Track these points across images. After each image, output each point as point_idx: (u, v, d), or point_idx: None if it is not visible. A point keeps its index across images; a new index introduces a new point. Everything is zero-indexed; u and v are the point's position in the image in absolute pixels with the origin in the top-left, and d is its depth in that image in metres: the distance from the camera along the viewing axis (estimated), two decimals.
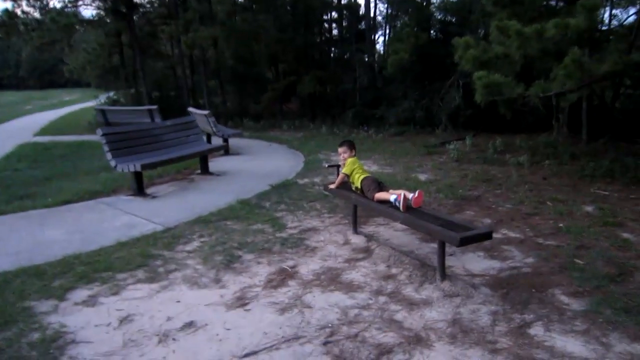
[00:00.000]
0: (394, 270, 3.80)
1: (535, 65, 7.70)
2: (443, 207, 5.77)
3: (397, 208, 3.88)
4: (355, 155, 4.65)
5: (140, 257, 4.04)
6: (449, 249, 3.80)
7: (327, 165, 4.96)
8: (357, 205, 4.52)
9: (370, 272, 3.77)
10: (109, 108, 14.83)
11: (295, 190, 6.42)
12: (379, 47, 18.51)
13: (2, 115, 22.72)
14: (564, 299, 3.36)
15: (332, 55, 18.29)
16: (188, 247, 4.34)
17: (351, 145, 4.67)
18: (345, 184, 4.68)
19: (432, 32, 15.74)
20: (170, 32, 15.71)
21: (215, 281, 3.58)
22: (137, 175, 6.16)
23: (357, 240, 4.54)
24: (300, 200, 5.93)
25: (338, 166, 4.91)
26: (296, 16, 16.67)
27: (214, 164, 8.40)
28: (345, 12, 18.27)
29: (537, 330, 2.90)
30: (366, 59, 17.50)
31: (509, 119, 13.88)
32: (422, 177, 7.56)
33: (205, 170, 7.51)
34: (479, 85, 6.95)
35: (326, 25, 18.70)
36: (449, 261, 3.92)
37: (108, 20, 17.36)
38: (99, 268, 3.81)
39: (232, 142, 10.32)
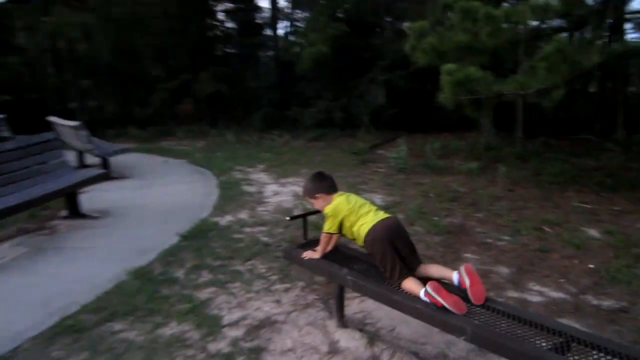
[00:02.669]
0: None
1: (502, 57, 6.41)
2: (433, 251, 4.17)
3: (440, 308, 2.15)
4: (334, 192, 2.77)
5: None
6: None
7: (289, 219, 3.03)
8: (346, 287, 2.68)
9: None
10: None
11: (218, 239, 4.37)
12: (282, 40, 16.59)
13: None
14: None
15: (232, 50, 16.02)
16: None
17: (320, 184, 2.76)
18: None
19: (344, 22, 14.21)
20: (24, 16, 12.39)
21: None
22: None
23: (349, 340, 2.72)
24: (230, 258, 3.92)
25: (305, 216, 3.01)
26: (187, 4, 14.10)
27: (90, 195, 5.95)
28: (242, 4, 16.03)
29: None
30: (270, 54, 15.63)
31: (427, 118, 13.00)
32: (377, 199, 5.92)
33: (74, 212, 5.07)
34: (448, 82, 5.49)
35: (223, 15, 16.32)
36: None
37: None
38: None
39: (116, 159, 7.78)
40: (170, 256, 3.94)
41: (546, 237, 4.60)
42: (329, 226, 2.67)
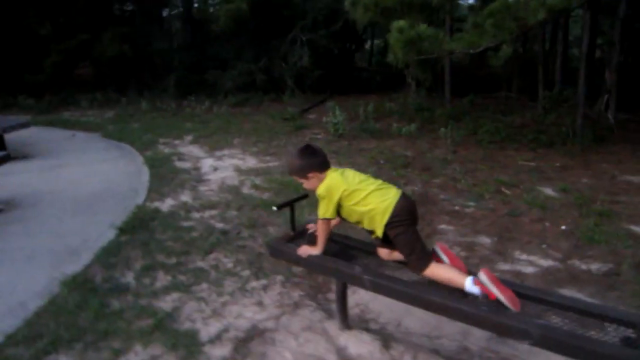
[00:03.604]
0: None
1: (438, 15, 6.18)
2: None
3: (480, 297, 1.85)
4: (328, 169, 2.26)
5: None
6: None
7: (275, 209, 2.48)
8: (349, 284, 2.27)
9: None
10: None
11: (165, 230, 3.71)
12: None
13: None
14: None
15: (131, 7, 14.30)
16: None
17: (312, 161, 2.23)
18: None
19: None
20: None
21: None
22: None
23: (358, 344, 2.35)
24: (187, 253, 3.32)
25: (292, 203, 2.50)
26: None
27: None
28: None
29: None
30: (178, 11, 14.25)
31: (351, 80, 12.72)
32: None
33: None
34: (398, 41, 5.12)
35: None
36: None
37: None
38: None
39: (12, 137, 6.51)
40: (111, 256, 3.25)
41: (509, 200, 4.54)
42: (324, 210, 2.20)
